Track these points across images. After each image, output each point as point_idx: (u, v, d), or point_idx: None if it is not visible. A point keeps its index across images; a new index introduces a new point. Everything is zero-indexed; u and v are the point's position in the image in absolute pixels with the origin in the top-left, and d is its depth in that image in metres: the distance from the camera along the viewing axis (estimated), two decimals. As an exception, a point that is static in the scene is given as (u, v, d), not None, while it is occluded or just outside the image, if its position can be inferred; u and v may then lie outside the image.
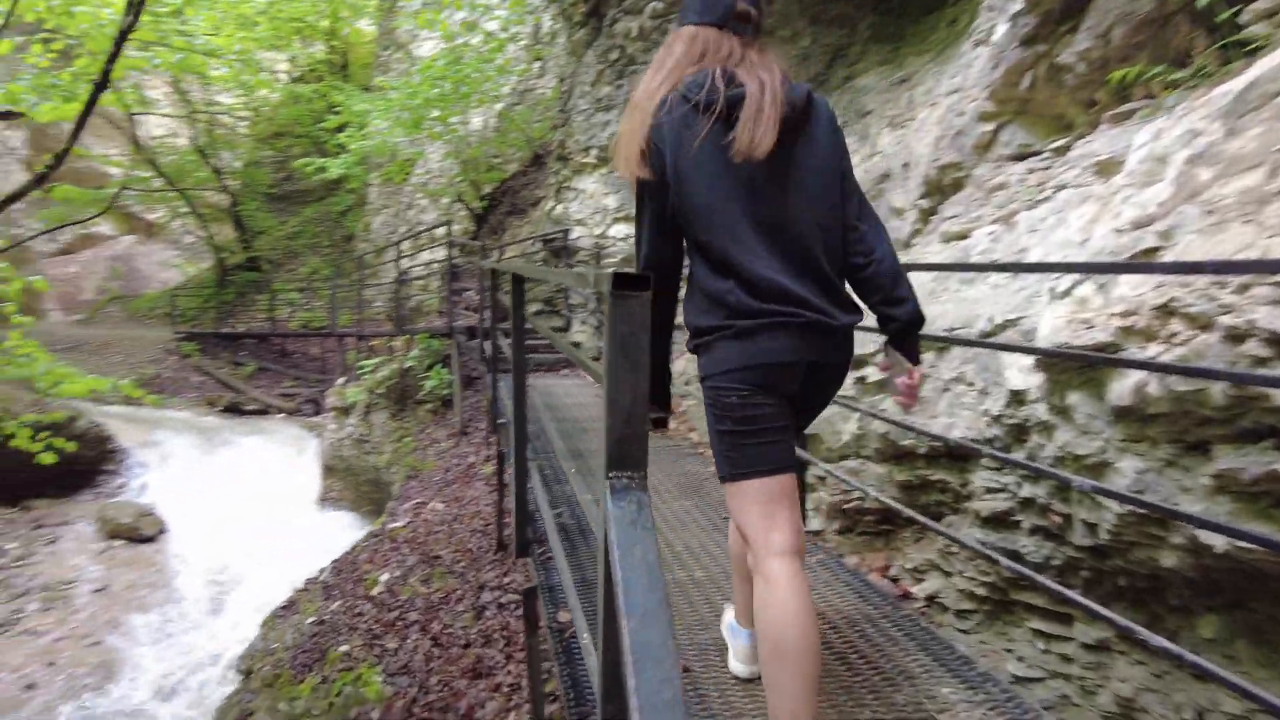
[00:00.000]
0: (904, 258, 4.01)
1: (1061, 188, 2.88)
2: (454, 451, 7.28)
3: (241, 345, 16.58)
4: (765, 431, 1.66)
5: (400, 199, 16.21)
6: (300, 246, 19.85)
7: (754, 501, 1.66)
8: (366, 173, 15.20)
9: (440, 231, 14.39)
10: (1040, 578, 1.80)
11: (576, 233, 7.83)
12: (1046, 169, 3.24)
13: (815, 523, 3.79)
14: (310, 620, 4.72)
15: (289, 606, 5.41)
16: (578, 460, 4.18)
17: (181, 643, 7.38)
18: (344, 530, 9.62)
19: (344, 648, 4.03)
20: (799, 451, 3.19)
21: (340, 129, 11.57)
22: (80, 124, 4.60)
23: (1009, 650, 2.63)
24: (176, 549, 9.68)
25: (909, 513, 2.42)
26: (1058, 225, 2.52)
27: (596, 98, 7.44)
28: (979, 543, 2.71)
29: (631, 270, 1.03)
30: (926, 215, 4.15)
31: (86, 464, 11.82)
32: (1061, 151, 3.24)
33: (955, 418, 2.86)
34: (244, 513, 10.52)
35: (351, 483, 10.88)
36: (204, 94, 20.47)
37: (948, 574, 3.08)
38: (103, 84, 4.19)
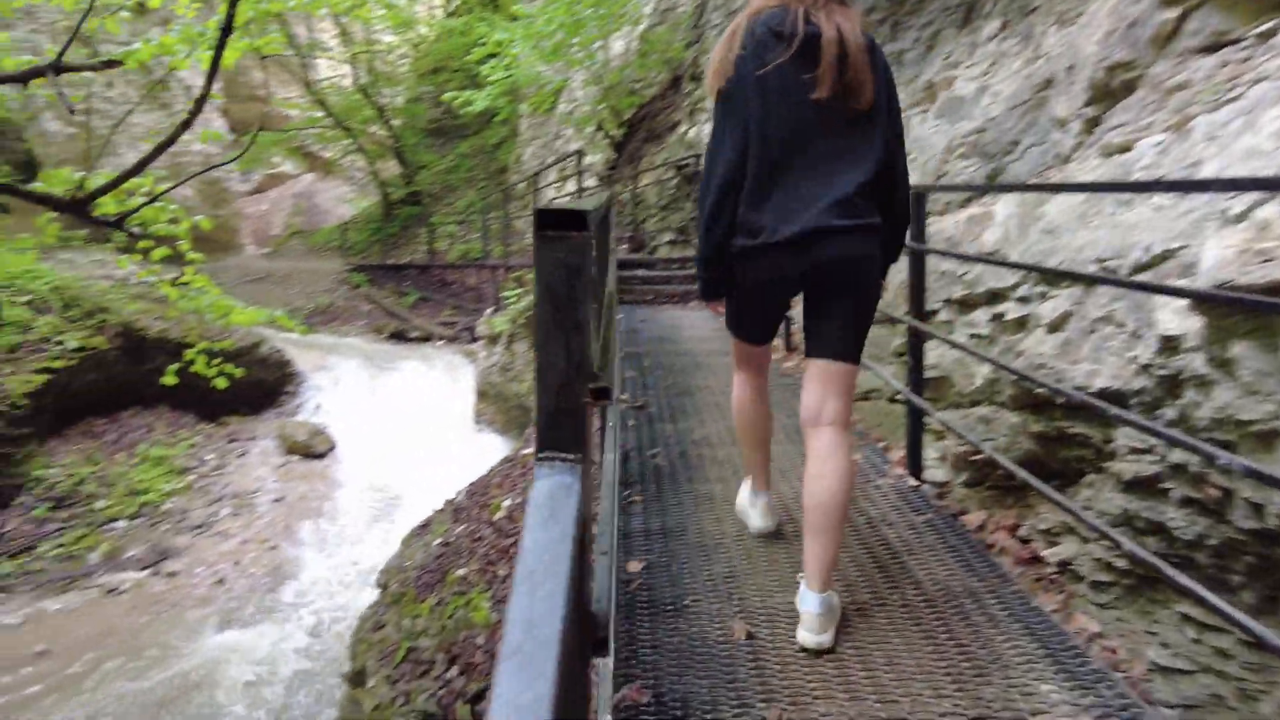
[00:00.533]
0: (1059, 176, 3.49)
1: (1260, 80, 2.33)
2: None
3: (405, 276, 17.52)
4: (748, 310, 2.24)
5: (548, 129, 16.31)
6: (458, 180, 20.54)
7: (738, 352, 2.35)
8: (513, 105, 15.35)
9: (586, 160, 14.42)
10: (1170, 571, 1.47)
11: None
12: (1245, 59, 2.65)
13: (940, 474, 3.46)
14: (438, 541, 4.93)
15: (424, 526, 5.69)
16: (686, 398, 4.03)
17: (340, 553, 8.05)
18: (492, 452, 10.09)
19: (461, 571, 4.16)
20: (916, 399, 2.88)
21: (485, 61, 11.65)
22: (212, 71, 4.78)
23: (1152, 634, 2.27)
24: (344, 465, 10.52)
25: (1022, 474, 2.09)
26: (1244, 130, 2.02)
27: (730, 10, 6.96)
28: (1122, 510, 2.34)
29: (561, 206, 0.83)
30: (1090, 125, 3.57)
31: (270, 385, 13.02)
32: (1268, 36, 2.63)
33: (1100, 364, 2.45)
34: (404, 433, 11.25)
35: (501, 407, 11.34)
36: (366, 33, 21.41)
37: (1085, 539, 2.71)
38: (227, 29, 4.28)
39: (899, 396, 3.34)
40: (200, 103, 5.26)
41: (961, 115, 4.95)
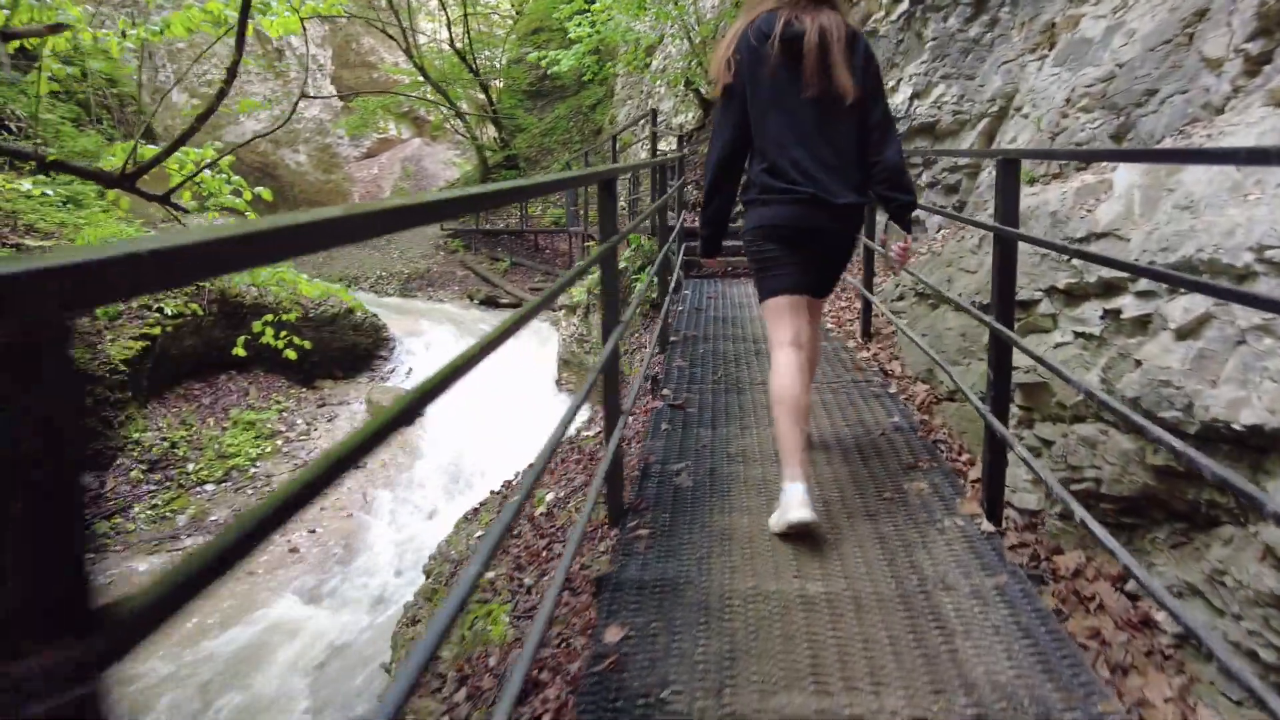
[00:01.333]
0: (1206, 134, 2.76)
1: None
2: (657, 359, 6.90)
3: (499, 241, 17.49)
4: (778, 268, 2.46)
5: (642, 88, 15.77)
6: (553, 143, 20.30)
7: (771, 313, 2.50)
8: (603, 64, 14.85)
9: (677, 120, 13.81)
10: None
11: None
12: None
13: (1031, 499, 2.85)
14: (479, 534, 4.65)
15: (475, 511, 5.46)
16: (734, 395, 3.54)
17: (410, 527, 8.02)
18: (573, 422, 9.87)
19: (490, 573, 3.85)
20: (996, 424, 2.31)
21: (572, 18, 11.21)
22: (240, 38, 4.54)
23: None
24: (427, 434, 10.55)
25: (1080, 512, 1.54)
26: None
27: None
28: (1271, 591, 1.73)
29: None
30: (1255, 66, 2.80)
31: (365, 349, 13.26)
32: None
33: (1251, 390, 1.81)
34: (490, 400, 11.19)
35: (581, 375, 11.13)
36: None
37: (1220, 610, 2.09)
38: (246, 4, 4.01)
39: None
40: (232, 71, 5.10)
41: (1087, 60, 4.16)
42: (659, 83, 13.09)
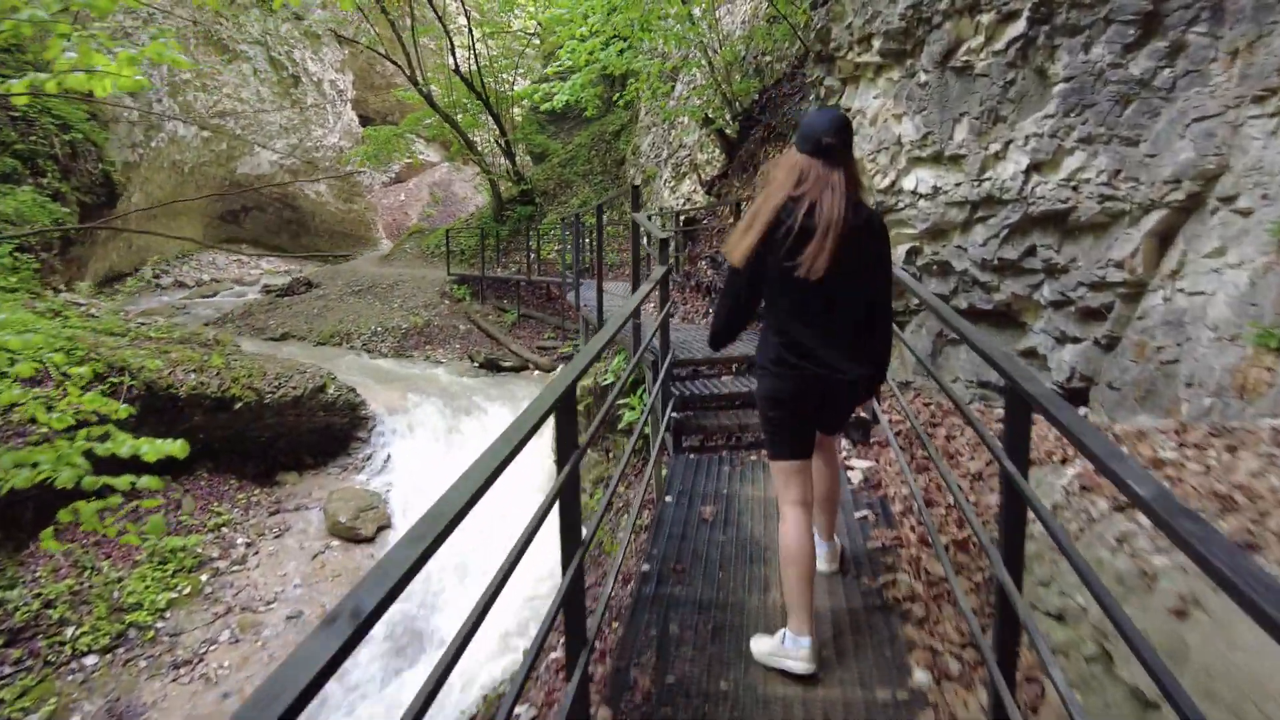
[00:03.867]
0: None
1: None
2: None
3: (508, 287, 15.59)
4: (786, 434, 2.61)
5: (664, 117, 13.72)
6: (573, 175, 18.36)
7: (780, 473, 2.64)
8: (609, 92, 12.82)
9: (701, 158, 11.71)
10: None
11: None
12: None
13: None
14: None
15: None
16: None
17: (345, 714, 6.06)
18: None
19: None
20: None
21: (566, 44, 9.19)
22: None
23: None
24: (377, 553, 8.64)
25: None
26: None
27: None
28: None
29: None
30: None
31: (340, 431, 11.43)
32: None
33: None
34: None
35: (585, 476, 9.12)
36: (489, 16, 19.54)
37: None
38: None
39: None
40: None
41: None
42: (681, 114, 11.02)
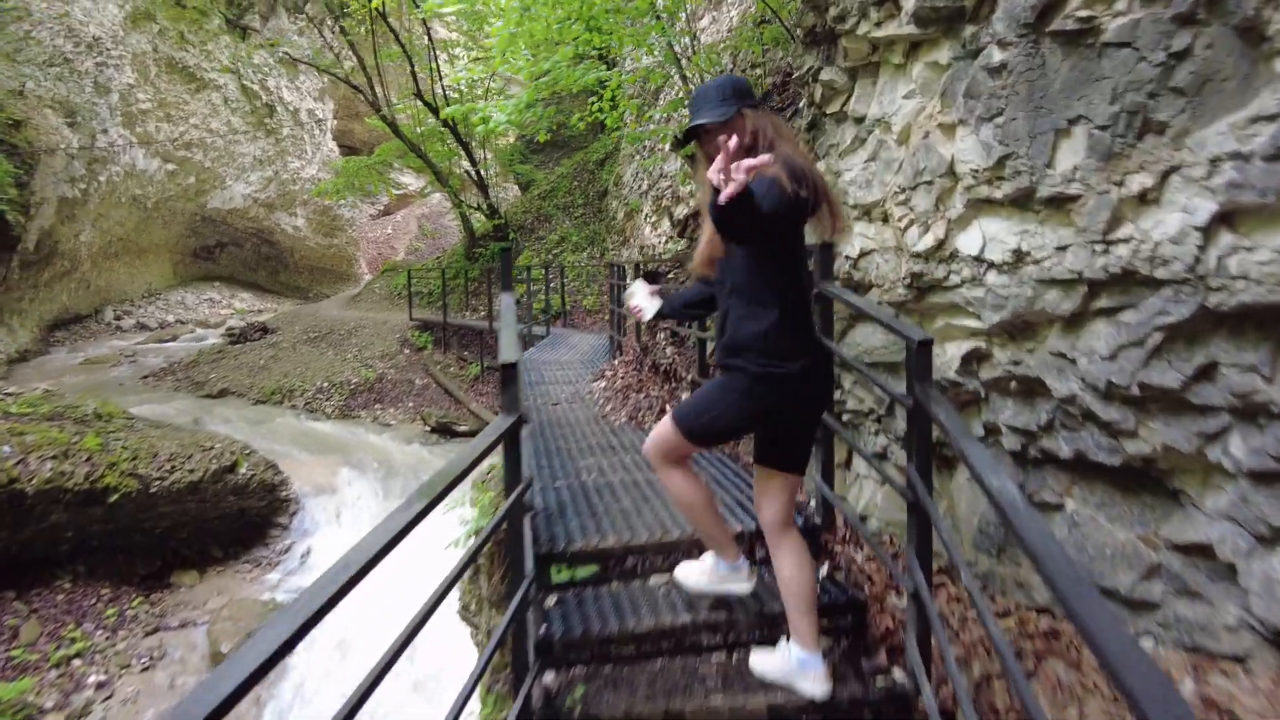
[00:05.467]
0: None
1: None
2: None
3: (473, 334, 13.80)
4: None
5: (647, 143, 12.00)
6: (552, 208, 16.64)
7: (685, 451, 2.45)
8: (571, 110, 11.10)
9: (684, 190, 9.93)
10: None
11: (858, 243, 2.91)
12: None
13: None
14: None
15: None
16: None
17: None
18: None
19: None
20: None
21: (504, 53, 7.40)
22: None
23: None
24: (281, 700, 6.75)
25: None
26: None
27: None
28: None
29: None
30: None
31: (255, 518, 9.62)
32: None
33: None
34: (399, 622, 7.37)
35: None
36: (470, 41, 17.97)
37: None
38: None
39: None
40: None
41: None
42: (644, 140, 9.29)
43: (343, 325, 16.31)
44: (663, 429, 2.40)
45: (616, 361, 6.37)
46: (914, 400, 2.10)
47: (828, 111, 3.06)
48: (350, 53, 16.45)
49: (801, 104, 3.36)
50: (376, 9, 13.22)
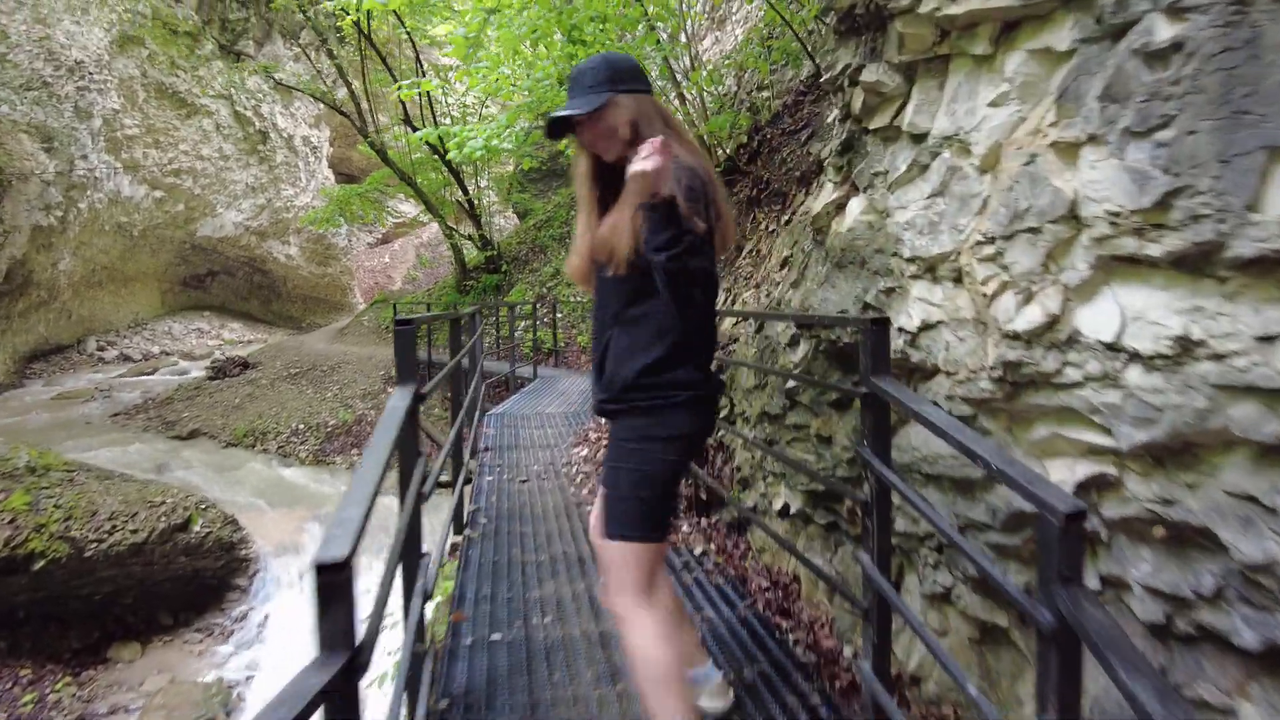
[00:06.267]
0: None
1: None
2: None
3: (454, 374, 12.90)
4: (674, 496, 1.93)
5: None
6: (547, 239, 15.86)
7: (650, 560, 1.84)
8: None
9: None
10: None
11: (917, 311, 2.06)
12: None
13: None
14: None
15: None
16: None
17: None
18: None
19: None
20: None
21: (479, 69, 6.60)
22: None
23: None
24: None
25: None
26: None
27: None
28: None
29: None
30: None
31: (211, 579, 8.71)
32: None
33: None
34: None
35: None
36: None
37: None
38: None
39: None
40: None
41: None
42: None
43: (326, 361, 15.48)
44: (617, 559, 1.78)
45: (605, 420, 5.52)
46: (1056, 620, 1.22)
47: (871, 126, 2.21)
48: (339, 77, 15.79)
49: (831, 118, 2.51)
50: (363, 30, 12.55)
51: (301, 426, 12.45)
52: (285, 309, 28.93)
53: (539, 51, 5.20)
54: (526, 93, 6.07)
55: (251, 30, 23.85)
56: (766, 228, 4.31)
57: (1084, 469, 1.82)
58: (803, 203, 3.68)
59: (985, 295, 1.85)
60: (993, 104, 1.81)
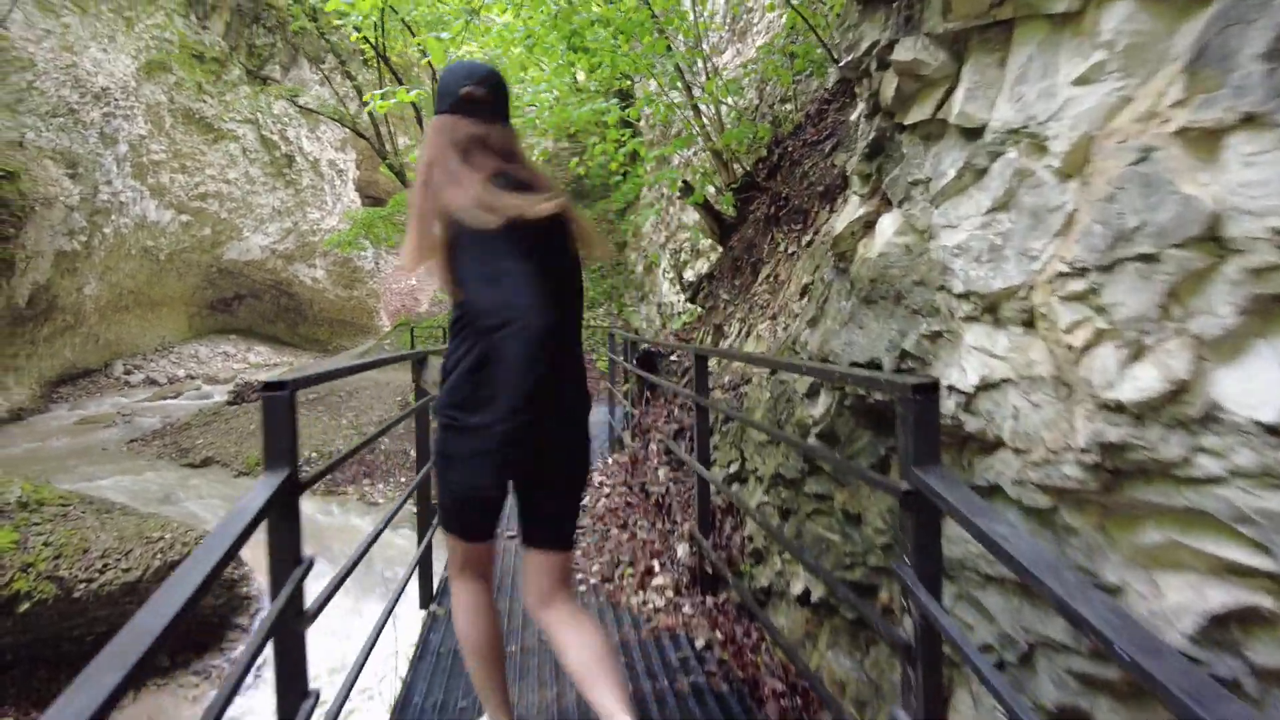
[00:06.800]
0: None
1: None
2: None
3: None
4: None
5: (661, 189, 10.79)
6: (568, 259, 15.44)
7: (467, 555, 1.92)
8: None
9: (704, 244, 8.66)
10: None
11: (974, 364, 1.53)
12: None
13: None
14: None
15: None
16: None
17: None
18: None
19: None
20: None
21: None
22: None
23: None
24: None
25: None
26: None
27: None
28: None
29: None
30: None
31: (210, 619, 8.33)
32: None
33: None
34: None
35: None
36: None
37: None
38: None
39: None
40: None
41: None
42: (654, 184, 8.05)
43: (343, 386, 15.19)
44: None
45: (611, 460, 5.00)
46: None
47: (907, 121, 1.70)
48: (356, 98, 15.64)
49: (855, 115, 1.99)
50: (377, 48, 12.34)
51: (315, 455, 12.12)
52: (312, 332, 28.89)
53: (532, 58, 4.77)
54: (530, 108, 5.65)
55: (278, 55, 23.96)
56: (786, 249, 3.79)
57: (1220, 595, 1.28)
58: (825, 221, 3.16)
59: (1071, 348, 1.33)
60: (1080, 80, 1.30)
